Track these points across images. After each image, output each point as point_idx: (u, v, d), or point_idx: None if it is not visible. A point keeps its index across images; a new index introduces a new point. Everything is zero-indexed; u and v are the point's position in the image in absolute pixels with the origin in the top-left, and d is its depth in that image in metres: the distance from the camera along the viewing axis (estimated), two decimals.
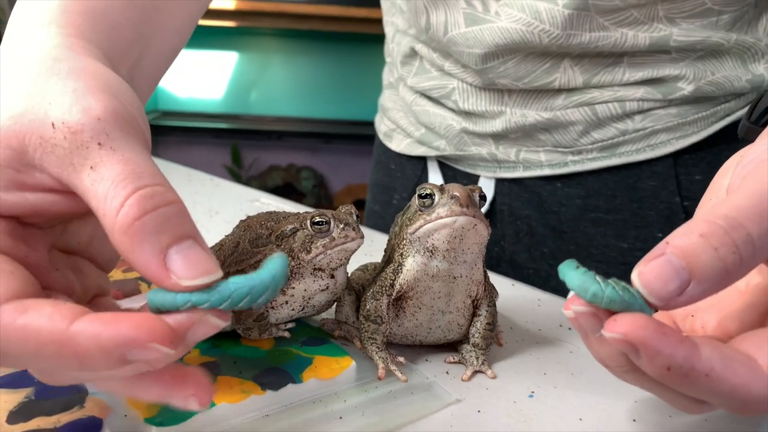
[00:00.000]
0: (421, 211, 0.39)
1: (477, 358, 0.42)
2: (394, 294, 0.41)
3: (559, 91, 0.63)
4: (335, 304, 0.47)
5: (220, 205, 0.85)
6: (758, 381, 0.26)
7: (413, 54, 0.73)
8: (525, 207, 0.70)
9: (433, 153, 0.74)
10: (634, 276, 0.26)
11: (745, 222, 0.26)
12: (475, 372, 0.42)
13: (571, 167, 0.66)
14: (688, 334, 0.31)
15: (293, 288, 0.41)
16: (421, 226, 0.39)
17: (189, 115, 3.10)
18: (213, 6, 0.94)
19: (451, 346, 0.45)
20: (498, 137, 0.68)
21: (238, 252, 0.44)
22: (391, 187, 0.82)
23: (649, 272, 0.26)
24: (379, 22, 0.88)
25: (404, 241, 0.41)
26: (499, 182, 0.71)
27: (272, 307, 0.42)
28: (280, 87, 3.18)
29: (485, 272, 0.43)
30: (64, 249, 0.32)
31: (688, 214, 0.64)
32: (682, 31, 0.58)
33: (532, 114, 0.64)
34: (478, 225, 0.38)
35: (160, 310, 0.26)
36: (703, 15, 0.58)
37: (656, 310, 0.27)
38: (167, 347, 0.24)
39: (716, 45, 0.59)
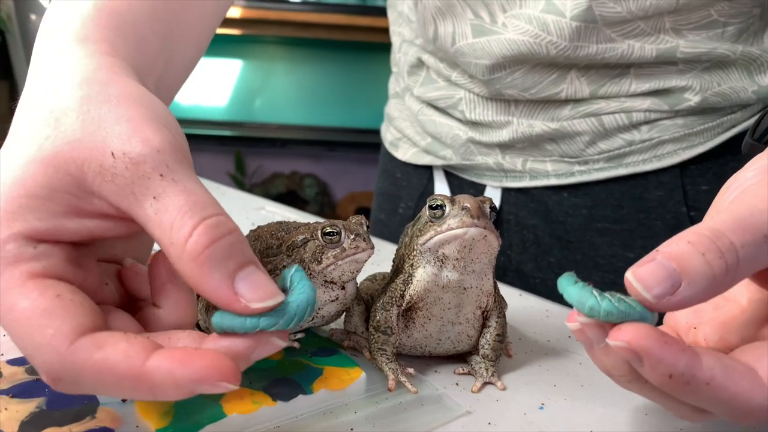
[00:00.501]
0: (432, 222, 0.39)
1: (486, 370, 0.42)
2: (404, 305, 0.42)
3: (566, 101, 0.63)
4: (344, 314, 0.47)
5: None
6: (758, 390, 0.27)
7: (420, 64, 0.73)
8: (531, 216, 0.70)
9: (439, 162, 0.74)
10: (629, 275, 0.28)
11: (728, 233, 0.28)
12: (485, 383, 0.42)
13: (578, 177, 0.66)
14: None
15: None
16: (431, 237, 0.39)
17: (193, 123, 3.10)
18: None
19: (461, 358, 0.45)
20: (504, 147, 0.68)
21: None
22: (397, 196, 0.83)
23: (643, 272, 0.27)
24: (382, 31, 0.89)
25: (415, 252, 0.41)
26: (506, 192, 0.71)
27: None
28: (284, 95, 3.19)
29: (495, 283, 0.43)
30: (102, 259, 0.33)
31: (695, 224, 0.64)
32: (688, 43, 0.59)
33: (538, 124, 0.64)
34: (488, 236, 0.38)
35: (226, 332, 0.27)
36: (709, 27, 0.59)
37: (657, 319, 0.28)
38: (233, 384, 0.26)
39: (722, 56, 0.59)
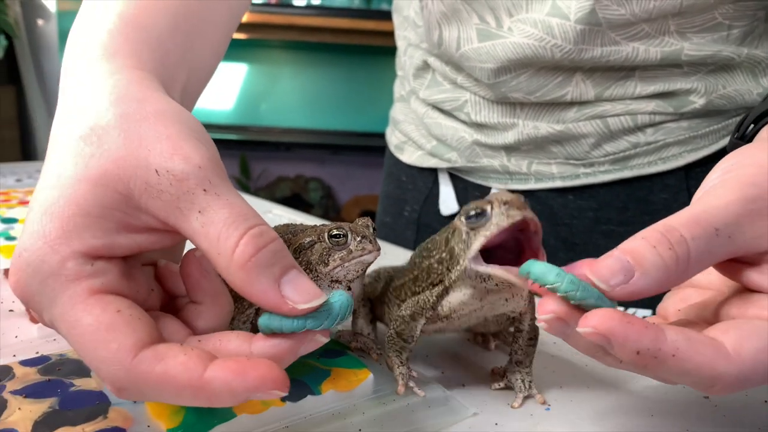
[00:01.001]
0: (475, 229, 0.36)
1: (523, 381, 0.41)
2: (433, 316, 0.40)
3: (571, 104, 0.64)
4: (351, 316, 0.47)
5: None
6: (723, 359, 0.28)
7: (426, 67, 0.74)
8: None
9: (444, 165, 0.75)
10: (586, 270, 0.30)
11: (679, 227, 0.30)
12: (526, 397, 0.40)
13: (583, 179, 0.66)
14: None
15: None
16: (480, 245, 0.36)
17: None
18: None
19: (473, 363, 0.45)
20: (510, 149, 0.68)
21: None
22: (402, 199, 0.83)
23: (599, 265, 0.30)
24: (387, 34, 0.90)
25: (458, 266, 0.38)
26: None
27: None
28: (289, 99, 3.20)
29: None
30: (143, 264, 0.35)
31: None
32: (693, 46, 0.59)
33: (544, 126, 0.65)
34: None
35: (273, 332, 0.30)
36: (713, 29, 0.59)
37: (620, 305, 0.30)
38: (283, 392, 0.28)
39: (727, 59, 0.59)
